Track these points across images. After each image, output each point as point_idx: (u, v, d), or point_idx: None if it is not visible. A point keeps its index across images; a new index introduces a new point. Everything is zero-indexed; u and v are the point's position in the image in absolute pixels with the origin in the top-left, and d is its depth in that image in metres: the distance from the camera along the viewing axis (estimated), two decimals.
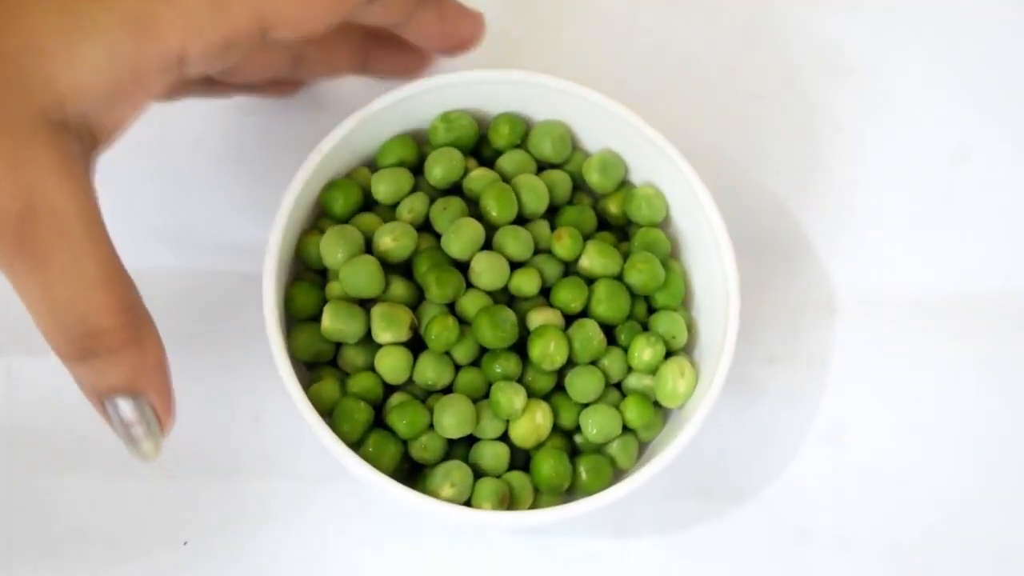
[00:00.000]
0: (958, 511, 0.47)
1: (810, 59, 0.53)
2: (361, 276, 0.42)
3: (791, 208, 0.51)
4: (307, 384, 0.43)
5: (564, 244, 0.44)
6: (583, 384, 0.43)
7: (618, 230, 0.47)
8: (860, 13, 0.53)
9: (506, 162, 0.46)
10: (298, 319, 0.44)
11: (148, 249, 0.48)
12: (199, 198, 0.49)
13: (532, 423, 0.42)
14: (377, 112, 0.44)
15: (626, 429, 0.44)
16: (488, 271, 0.43)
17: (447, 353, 0.43)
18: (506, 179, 0.45)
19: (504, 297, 0.44)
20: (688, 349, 0.45)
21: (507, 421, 0.43)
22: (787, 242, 0.51)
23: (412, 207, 0.44)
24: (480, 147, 0.47)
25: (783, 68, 0.53)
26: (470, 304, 0.43)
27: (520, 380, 0.43)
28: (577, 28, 0.53)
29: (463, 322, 0.43)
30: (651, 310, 0.45)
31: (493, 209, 0.44)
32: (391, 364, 0.42)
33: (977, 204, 0.51)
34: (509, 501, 0.42)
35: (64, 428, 0.46)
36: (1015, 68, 0.53)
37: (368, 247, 0.44)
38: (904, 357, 0.49)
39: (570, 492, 0.43)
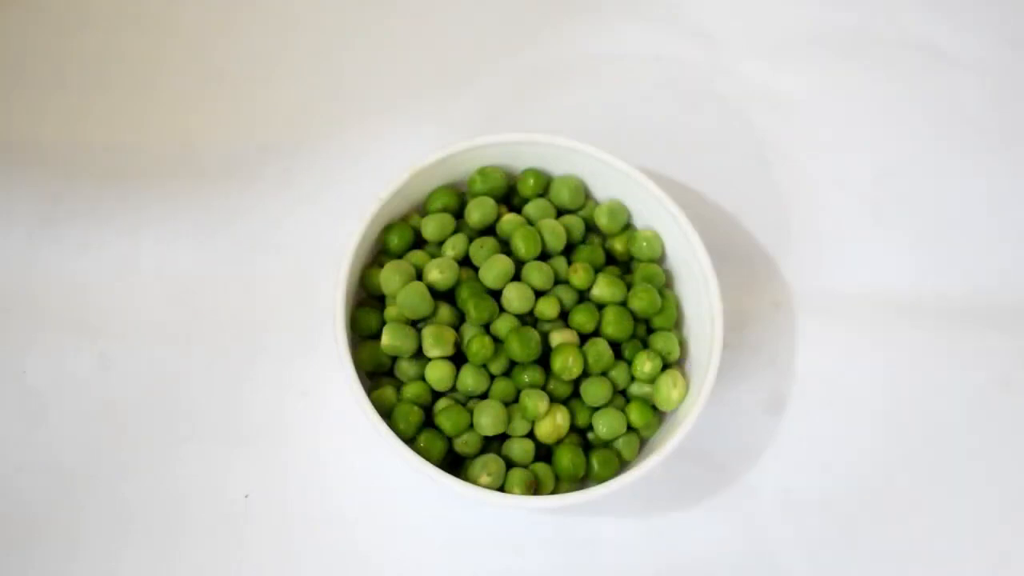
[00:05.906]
0: (880, 468, 0.49)
1: (760, 103, 0.56)
2: (414, 301, 0.44)
3: (743, 222, 0.53)
4: (369, 390, 0.45)
5: (579, 276, 0.46)
6: (595, 391, 0.45)
7: (623, 265, 0.49)
8: (799, 64, 0.57)
9: (531, 208, 0.48)
10: (362, 337, 0.46)
11: (245, 258, 0.51)
12: (287, 231, 0.52)
13: (553, 423, 0.45)
14: (426, 168, 0.47)
15: (630, 428, 0.46)
16: (517, 298, 0.45)
17: (484, 366, 0.45)
18: (531, 223, 0.47)
19: (530, 320, 0.46)
20: (681, 363, 0.47)
21: (533, 421, 0.45)
22: (741, 250, 0.53)
23: (455, 245, 0.46)
24: (510, 196, 0.49)
25: (738, 111, 0.55)
26: (502, 325, 0.45)
27: (544, 388, 0.45)
28: (587, 102, 0.55)
29: (497, 340, 0.45)
30: (650, 330, 0.47)
31: (521, 247, 0.46)
32: (438, 375, 0.44)
33: (898, 214, 0.54)
34: (536, 487, 0.44)
35: (146, 404, 0.49)
36: (922, 99, 0.56)
37: (419, 278, 0.45)
38: (834, 342, 0.51)
39: (584, 480, 0.46)
